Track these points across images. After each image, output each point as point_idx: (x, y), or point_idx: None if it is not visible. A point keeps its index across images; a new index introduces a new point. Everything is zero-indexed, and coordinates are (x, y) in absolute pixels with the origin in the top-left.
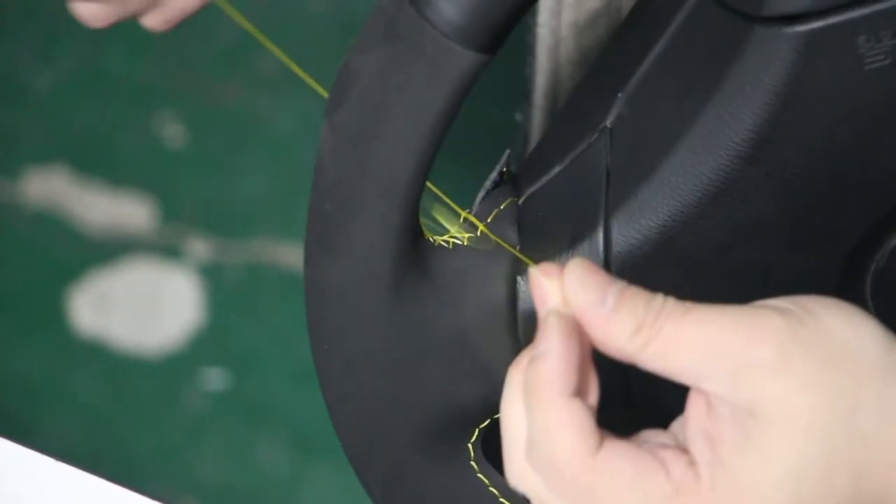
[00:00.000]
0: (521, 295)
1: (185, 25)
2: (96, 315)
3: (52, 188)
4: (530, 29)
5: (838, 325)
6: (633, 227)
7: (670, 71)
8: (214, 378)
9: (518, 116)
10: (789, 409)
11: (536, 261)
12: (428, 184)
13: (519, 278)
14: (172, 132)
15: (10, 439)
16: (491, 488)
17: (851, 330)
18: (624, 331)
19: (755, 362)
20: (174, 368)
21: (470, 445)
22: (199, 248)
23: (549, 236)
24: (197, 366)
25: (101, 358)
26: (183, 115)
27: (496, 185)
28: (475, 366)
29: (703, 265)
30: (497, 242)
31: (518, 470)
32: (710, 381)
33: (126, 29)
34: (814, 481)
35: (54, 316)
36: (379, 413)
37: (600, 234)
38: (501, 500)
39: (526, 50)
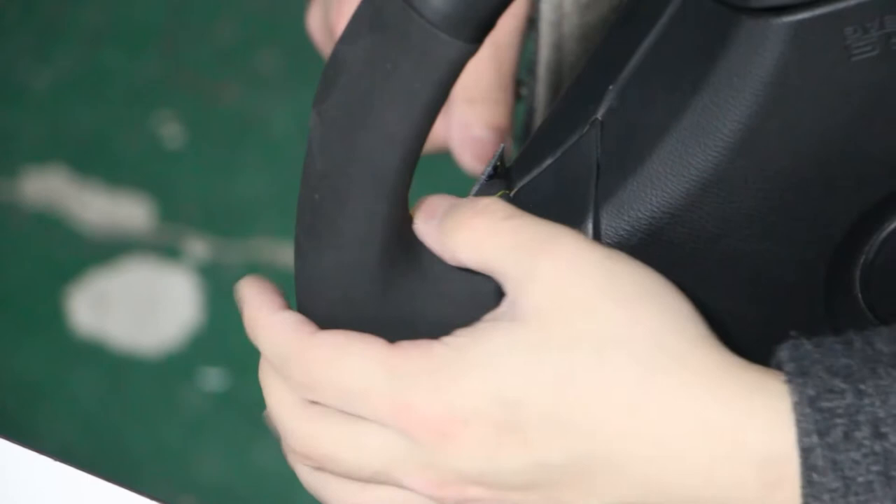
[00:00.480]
0: None
1: (184, 25)
2: (95, 315)
3: (51, 188)
4: (533, 5)
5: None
6: (622, 218)
7: (660, 63)
8: (213, 377)
9: (522, 91)
10: (535, 326)
11: None
12: None
13: None
14: (171, 132)
15: (8, 439)
16: None
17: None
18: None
19: (538, 274)
20: (173, 368)
21: None
22: (198, 247)
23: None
24: (195, 365)
25: (99, 358)
26: (181, 115)
27: (490, 178)
28: None
29: (692, 256)
30: None
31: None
32: (505, 279)
33: (124, 29)
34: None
35: (53, 316)
36: None
37: (589, 226)
38: None
39: (529, 26)
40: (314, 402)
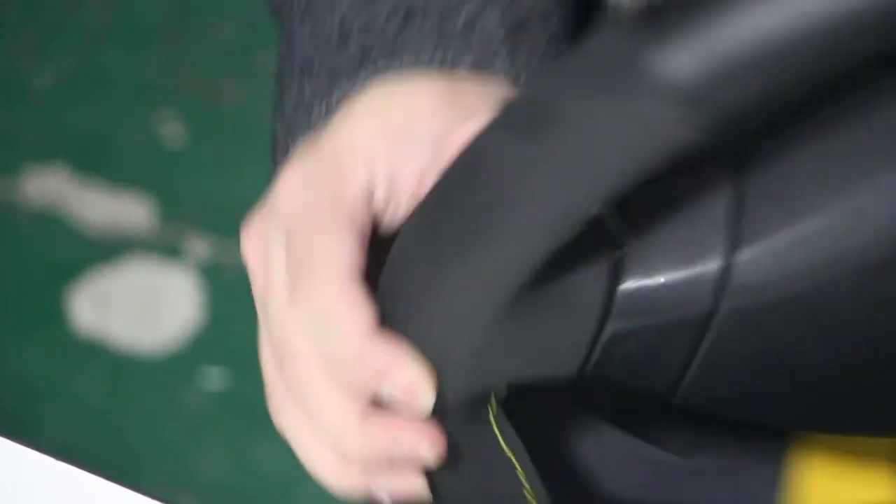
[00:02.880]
0: None
1: (185, 24)
2: (96, 314)
3: (52, 187)
4: None
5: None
6: (759, 268)
7: (846, 128)
8: (214, 377)
9: None
10: None
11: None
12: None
13: None
14: (172, 131)
15: (9, 438)
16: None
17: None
18: None
19: None
20: (174, 367)
21: (492, 418)
22: (199, 246)
23: (661, 242)
24: (197, 365)
25: (100, 357)
26: (182, 114)
27: None
28: None
29: (829, 330)
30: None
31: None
32: None
33: (125, 28)
34: None
35: (54, 315)
36: None
37: (721, 262)
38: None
39: None
40: None
